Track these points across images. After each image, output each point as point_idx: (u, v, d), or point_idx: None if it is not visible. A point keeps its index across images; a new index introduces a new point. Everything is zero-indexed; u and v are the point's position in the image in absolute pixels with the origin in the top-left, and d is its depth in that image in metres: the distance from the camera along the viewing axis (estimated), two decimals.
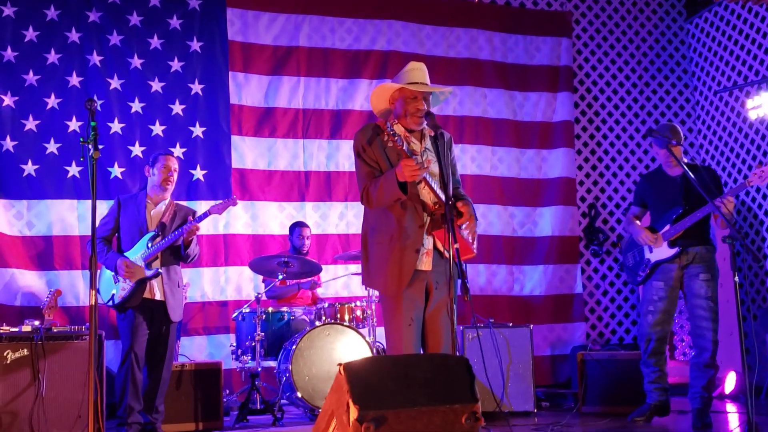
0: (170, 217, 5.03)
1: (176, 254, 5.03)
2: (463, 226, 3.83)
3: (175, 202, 5.23)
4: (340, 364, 2.61)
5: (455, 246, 3.52)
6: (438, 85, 3.95)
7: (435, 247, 3.83)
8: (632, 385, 5.57)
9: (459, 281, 3.52)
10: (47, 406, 4.85)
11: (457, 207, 3.79)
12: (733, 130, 7.66)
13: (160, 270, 4.87)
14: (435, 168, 3.82)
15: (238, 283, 6.82)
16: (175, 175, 5.13)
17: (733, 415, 5.78)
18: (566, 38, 8.02)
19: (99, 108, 6.53)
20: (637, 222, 5.34)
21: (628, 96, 8.17)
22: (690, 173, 4.61)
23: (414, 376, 2.68)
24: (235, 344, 6.06)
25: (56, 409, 4.87)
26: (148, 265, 4.86)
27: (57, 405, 4.87)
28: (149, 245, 4.88)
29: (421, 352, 3.82)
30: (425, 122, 3.86)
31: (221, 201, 5.15)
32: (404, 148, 3.68)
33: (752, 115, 7.34)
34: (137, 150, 6.64)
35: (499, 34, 7.84)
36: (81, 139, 3.16)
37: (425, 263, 3.79)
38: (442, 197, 3.71)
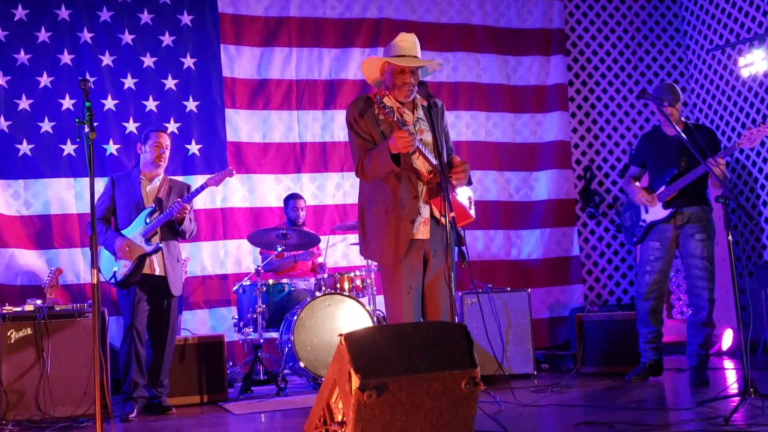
0: (166, 193, 5.06)
1: (174, 229, 5.06)
2: (458, 189, 3.88)
3: (170, 177, 5.25)
4: (340, 335, 2.66)
5: (451, 215, 3.57)
6: (425, 60, 3.94)
7: (432, 216, 3.86)
8: (630, 346, 5.65)
9: (456, 249, 3.56)
10: (52, 383, 4.92)
11: (453, 162, 3.81)
12: (726, 89, 7.65)
13: (160, 245, 4.91)
14: (428, 137, 3.85)
15: (238, 256, 6.86)
16: (167, 152, 5.13)
17: (730, 372, 5.86)
18: (558, 1, 7.98)
19: (92, 86, 6.50)
20: (636, 183, 5.39)
21: (620, 57, 8.16)
22: (683, 134, 4.63)
23: (413, 343, 2.73)
24: (236, 317, 6.12)
25: (62, 387, 4.94)
26: (148, 241, 4.89)
27: (62, 382, 4.94)
28: (147, 221, 4.90)
29: (421, 320, 3.88)
30: (415, 93, 3.88)
31: (217, 173, 5.16)
32: (395, 119, 3.70)
33: (744, 73, 7.34)
34: (131, 126, 6.63)
35: None
36: (77, 120, 3.17)
37: (422, 232, 3.83)
38: (437, 166, 3.73)
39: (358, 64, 7.28)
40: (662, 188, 5.15)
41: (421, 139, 3.82)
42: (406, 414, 2.67)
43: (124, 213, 5.00)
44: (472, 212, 4.06)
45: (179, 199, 4.98)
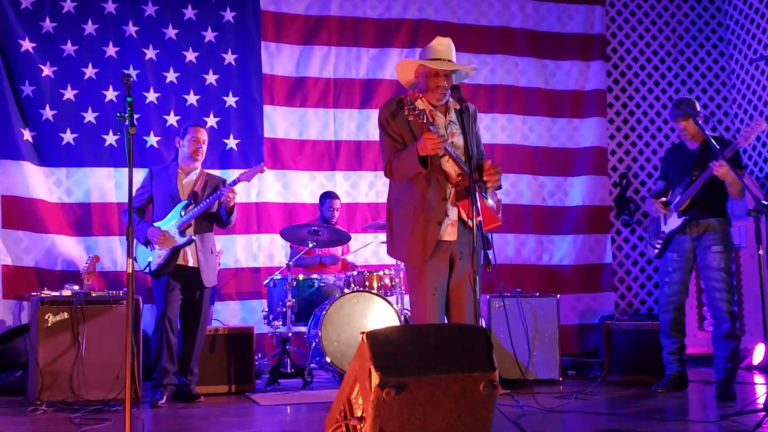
0: (201, 186, 5.16)
1: (210, 221, 5.17)
2: (488, 193, 3.91)
3: (206, 171, 5.36)
4: (363, 333, 2.72)
5: (478, 219, 3.60)
6: (460, 64, 3.98)
7: (460, 218, 3.90)
8: (658, 355, 5.61)
9: (483, 252, 3.59)
10: (86, 367, 5.06)
11: (484, 167, 3.83)
12: None
13: (193, 237, 5.01)
14: (459, 140, 3.88)
15: (270, 251, 6.97)
16: (205, 147, 5.24)
17: (760, 387, 5.79)
18: (599, 6, 7.94)
19: (135, 78, 6.66)
20: (654, 197, 5.46)
21: (661, 64, 8.08)
22: (711, 140, 4.62)
23: (434, 344, 2.77)
24: (266, 309, 6.21)
25: (95, 371, 5.07)
26: (182, 233, 5.00)
27: (96, 367, 5.08)
28: (182, 213, 5.01)
29: (445, 321, 3.92)
30: (449, 96, 3.92)
31: (250, 168, 5.25)
32: (425, 121, 3.74)
33: None
34: (172, 119, 6.77)
35: (532, 2, 7.80)
36: (118, 114, 3.26)
37: (449, 234, 3.87)
38: (466, 169, 3.77)
39: (396, 65, 7.32)
40: (678, 198, 5.22)
41: (452, 143, 3.86)
42: (424, 413, 2.71)
43: (160, 205, 5.12)
44: (500, 216, 4.09)
45: (220, 187, 5.07)
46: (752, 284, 6.99)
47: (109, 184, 6.60)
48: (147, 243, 5.01)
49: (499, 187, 4.09)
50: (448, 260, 3.90)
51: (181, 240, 4.97)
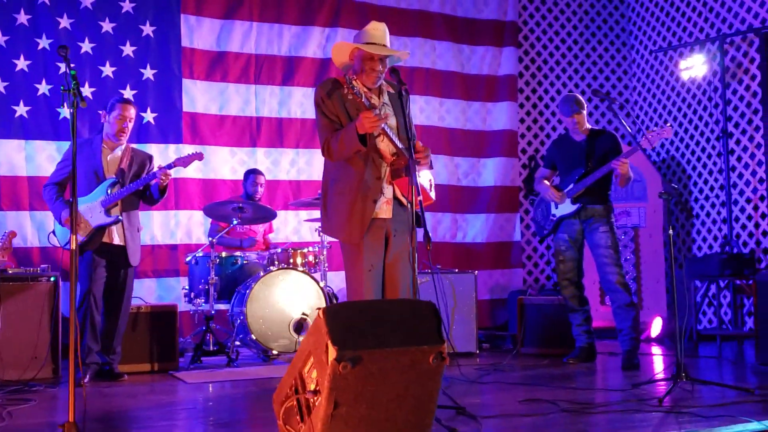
0: (128, 163, 5.07)
1: (137, 198, 5.09)
2: (421, 172, 4.05)
3: (131, 146, 5.26)
4: (319, 308, 2.80)
5: (419, 198, 3.73)
6: (393, 49, 4.09)
7: (395, 197, 4.02)
8: (567, 329, 5.95)
9: (423, 230, 3.73)
10: (2, 347, 4.88)
11: (416, 148, 3.96)
12: (666, 89, 8.02)
13: (120, 217, 4.93)
14: (393, 121, 4.01)
15: (188, 227, 6.91)
16: (131, 124, 5.13)
17: (657, 357, 6.22)
18: None
19: (48, 48, 6.44)
20: (546, 182, 5.88)
21: (569, 52, 8.44)
22: (644, 140, 5.01)
23: (386, 319, 2.89)
24: (187, 287, 6.17)
25: (11, 351, 4.91)
26: (108, 212, 4.90)
27: (12, 347, 4.91)
28: (108, 191, 4.91)
29: (380, 297, 4.04)
30: (382, 80, 4.03)
31: (188, 154, 5.17)
32: (364, 100, 3.82)
33: (684, 76, 7.71)
34: (87, 91, 6.58)
35: None
36: (62, 87, 3.18)
37: (385, 211, 3.98)
38: (401, 147, 3.89)
39: (318, 43, 7.37)
40: (570, 186, 5.65)
41: (387, 123, 3.97)
42: (376, 385, 2.83)
43: (83, 180, 4.97)
44: (433, 194, 4.24)
45: (148, 165, 5.00)
46: (649, 261, 7.47)
47: (19, 157, 6.36)
48: (62, 224, 4.89)
49: (431, 167, 4.24)
50: (383, 238, 4.01)
51: (108, 219, 4.87)
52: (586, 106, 5.69)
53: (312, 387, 2.87)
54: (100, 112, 5.16)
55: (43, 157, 6.40)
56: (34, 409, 4.14)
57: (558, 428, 3.52)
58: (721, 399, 4.14)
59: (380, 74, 4.00)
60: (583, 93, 8.38)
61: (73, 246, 2.97)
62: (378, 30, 4.02)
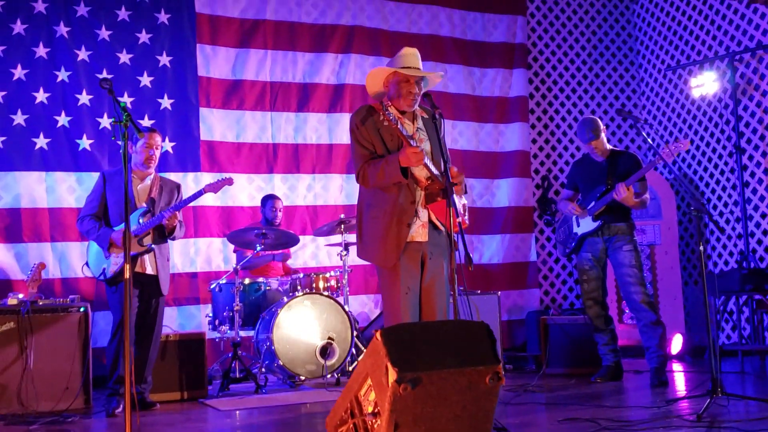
0: (158, 192, 5.11)
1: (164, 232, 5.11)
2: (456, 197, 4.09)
3: (160, 175, 5.29)
4: (376, 330, 2.82)
5: (457, 220, 3.77)
6: (430, 71, 4.16)
7: (430, 220, 4.06)
8: (591, 348, 5.96)
9: (464, 252, 3.75)
10: (35, 379, 4.91)
11: (451, 173, 3.99)
12: (676, 107, 8.10)
13: (152, 246, 4.94)
14: (426, 146, 4.07)
15: (208, 255, 6.91)
16: (158, 152, 5.17)
17: (678, 374, 6.23)
18: (521, 16, 8.30)
19: (67, 80, 6.48)
20: (568, 202, 5.94)
21: (578, 72, 8.53)
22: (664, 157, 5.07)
23: (441, 340, 2.91)
24: (211, 314, 6.17)
25: (44, 382, 4.95)
26: (140, 241, 4.92)
27: (45, 378, 4.96)
28: (140, 221, 4.93)
29: (418, 320, 4.06)
30: (417, 104, 4.08)
31: (218, 180, 5.22)
32: (404, 132, 3.86)
33: (695, 94, 7.79)
34: (105, 122, 6.62)
35: (459, 11, 8.07)
36: (112, 120, 3.22)
37: (420, 234, 4.03)
38: (436, 173, 3.94)
39: (332, 69, 7.44)
40: (592, 203, 5.71)
41: (420, 146, 4.01)
42: (434, 406, 2.85)
43: (115, 211, 5.00)
44: (466, 218, 4.28)
45: (170, 207, 5.02)
46: (666, 278, 7.50)
47: (40, 189, 6.37)
48: (110, 247, 4.89)
49: (465, 192, 4.29)
50: (419, 260, 4.05)
51: (140, 248, 4.88)
52: (603, 129, 5.74)
53: (370, 409, 2.89)
54: (119, 142, 5.17)
55: (63, 189, 6.42)
56: None
57: None
58: (759, 413, 4.16)
59: (416, 96, 4.05)
60: (605, 113, 8.47)
61: (127, 275, 2.99)
62: (412, 54, 4.09)
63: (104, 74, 6.62)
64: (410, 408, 2.80)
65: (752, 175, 7.25)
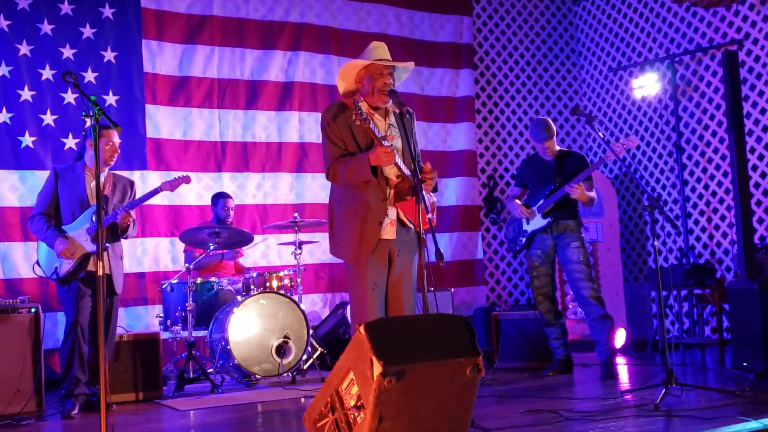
0: (111, 190, 4.97)
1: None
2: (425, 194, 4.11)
3: (113, 172, 5.16)
4: (359, 324, 2.82)
5: (428, 216, 3.81)
6: (401, 62, 4.16)
7: (398, 218, 4.07)
8: (542, 342, 6.09)
9: (435, 249, 3.79)
10: None
11: (423, 169, 4.01)
12: (617, 107, 8.34)
13: (107, 244, 4.82)
14: (398, 143, 4.06)
15: (155, 255, 6.78)
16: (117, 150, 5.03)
17: (623, 367, 6.40)
18: (467, 17, 8.41)
19: (8, 75, 6.26)
20: (516, 201, 6.07)
21: (522, 73, 8.69)
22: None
23: (423, 333, 2.94)
24: (162, 315, 6.05)
25: None
26: (94, 239, 4.78)
27: None
28: (93, 218, 4.80)
29: (383, 315, 4.07)
30: (390, 100, 4.07)
31: (175, 177, 5.11)
32: (375, 131, 3.85)
33: (637, 95, 8.03)
34: (48, 119, 6.42)
35: (407, 10, 8.12)
36: (83, 114, 3.12)
37: (389, 232, 4.04)
38: (406, 172, 3.95)
39: (280, 66, 7.39)
40: (540, 201, 5.85)
41: (391, 145, 4.01)
42: (417, 398, 2.87)
43: (67, 208, 4.85)
44: (434, 216, 4.31)
45: (122, 205, 4.90)
46: (608, 275, 7.71)
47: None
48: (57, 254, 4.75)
49: (435, 189, 4.29)
50: (386, 258, 4.06)
51: (93, 246, 4.75)
52: (556, 132, 5.89)
53: (352, 403, 2.89)
54: (88, 140, 5.01)
55: (5, 187, 6.20)
56: None
57: None
58: (710, 402, 4.33)
59: (391, 88, 4.02)
60: (548, 113, 8.64)
61: (101, 272, 2.91)
62: (382, 47, 4.08)
63: (47, 69, 6.42)
64: (394, 401, 2.81)
65: (691, 173, 7.52)
